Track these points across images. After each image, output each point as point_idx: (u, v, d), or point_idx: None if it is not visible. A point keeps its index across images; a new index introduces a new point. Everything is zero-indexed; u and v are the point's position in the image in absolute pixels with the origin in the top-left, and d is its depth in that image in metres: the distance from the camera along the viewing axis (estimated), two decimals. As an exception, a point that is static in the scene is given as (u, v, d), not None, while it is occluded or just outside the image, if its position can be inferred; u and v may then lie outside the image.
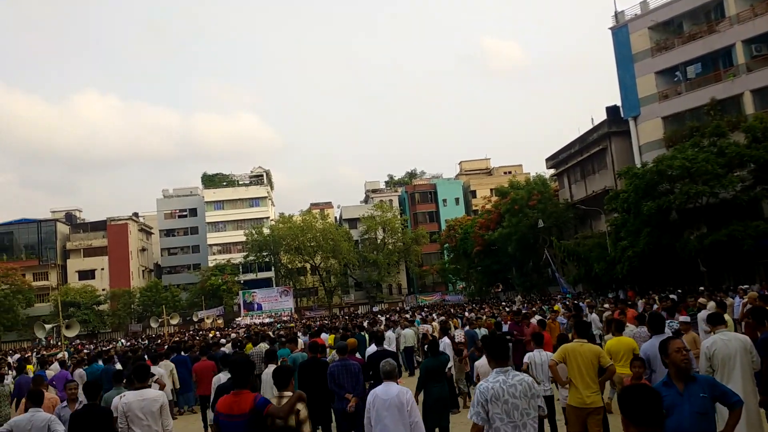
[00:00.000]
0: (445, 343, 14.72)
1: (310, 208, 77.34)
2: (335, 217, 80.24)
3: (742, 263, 30.25)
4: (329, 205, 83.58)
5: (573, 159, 46.83)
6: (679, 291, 24.51)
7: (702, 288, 24.90)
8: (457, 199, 76.99)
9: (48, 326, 28.43)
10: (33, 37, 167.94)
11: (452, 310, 32.73)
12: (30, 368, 17.24)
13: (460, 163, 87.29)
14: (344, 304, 71.20)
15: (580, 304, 23.46)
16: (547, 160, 51.67)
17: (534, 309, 22.18)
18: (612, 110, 42.27)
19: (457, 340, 14.43)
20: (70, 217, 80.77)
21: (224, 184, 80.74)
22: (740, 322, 14.28)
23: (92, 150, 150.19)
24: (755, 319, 8.40)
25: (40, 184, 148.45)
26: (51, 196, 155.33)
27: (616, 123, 41.31)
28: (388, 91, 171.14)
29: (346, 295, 74.04)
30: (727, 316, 11.07)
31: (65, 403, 8.00)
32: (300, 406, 5.63)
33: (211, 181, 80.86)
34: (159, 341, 29.16)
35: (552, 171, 53.23)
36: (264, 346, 15.90)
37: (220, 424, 5.48)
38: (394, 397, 6.30)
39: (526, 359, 9.49)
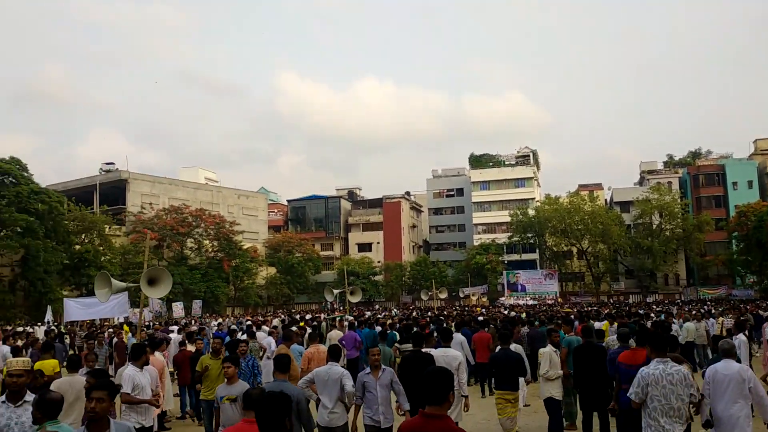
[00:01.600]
0: (740, 341, 13.14)
1: (578, 190, 74.59)
2: (605, 200, 76.28)
3: None
4: (599, 186, 79.69)
5: None
6: None
7: None
8: (750, 182, 68.00)
9: (336, 291, 31.69)
10: (319, 28, 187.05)
11: (742, 306, 29.06)
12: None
13: (754, 141, 76.76)
14: (613, 292, 67.62)
15: None
16: None
17: None
18: None
19: None
20: (351, 195, 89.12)
21: (490, 164, 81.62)
22: None
23: (371, 133, 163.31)
24: None
25: (326, 164, 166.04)
26: (335, 175, 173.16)
27: None
28: (667, 61, 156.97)
29: (615, 282, 70.22)
30: None
31: (368, 370, 7.91)
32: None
33: (477, 161, 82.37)
34: (429, 314, 30.70)
35: None
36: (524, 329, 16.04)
37: (620, 372, 7.70)
38: (735, 373, 6.65)
39: None
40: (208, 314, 46.54)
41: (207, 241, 60.61)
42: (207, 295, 54.73)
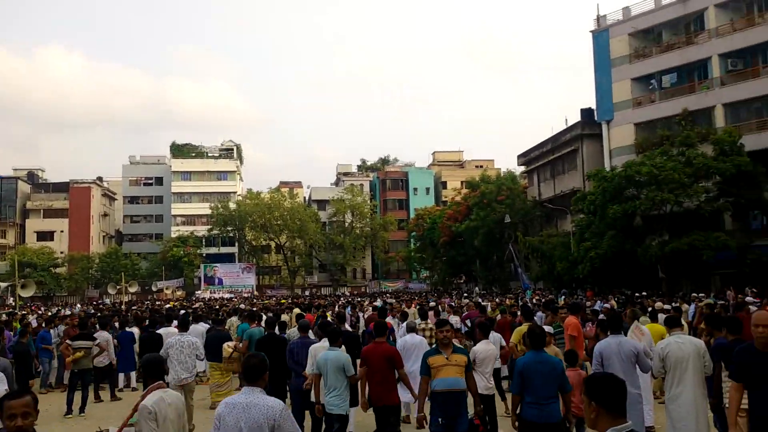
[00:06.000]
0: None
1: (279, 186, 76.81)
2: (304, 198, 79.90)
3: (699, 272, 30.83)
4: (299, 184, 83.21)
5: (544, 158, 47.22)
6: (644, 294, 25.01)
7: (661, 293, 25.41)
8: (427, 189, 77.25)
9: (3, 284, 27.78)
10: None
11: (416, 298, 32.81)
12: None
13: (433, 153, 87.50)
14: (307, 285, 71.10)
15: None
16: (519, 156, 52.07)
17: (495, 302, 22.56)
18: (586, 112, 42.66)
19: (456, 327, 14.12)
20: (32, 176, 78.87)
21: (193, 155, 79.64)
22: (695, 327, 14.68)
23: (58, 109, 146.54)
24: (710, 326, 8.56)
25: (3, 141, 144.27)
26: (14, 154, 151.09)
27: (589, 125, 41.71)
28: (367, 73, 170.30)
29: (309, 276, 73.93)
30: (682, 321, 11.29)
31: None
32: None
33: (180, 151, 79.66)
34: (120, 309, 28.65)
35: (522, 168, 53.74)
36: (235, 321, 16.00)
37: None
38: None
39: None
40: None
41: None
42: None
